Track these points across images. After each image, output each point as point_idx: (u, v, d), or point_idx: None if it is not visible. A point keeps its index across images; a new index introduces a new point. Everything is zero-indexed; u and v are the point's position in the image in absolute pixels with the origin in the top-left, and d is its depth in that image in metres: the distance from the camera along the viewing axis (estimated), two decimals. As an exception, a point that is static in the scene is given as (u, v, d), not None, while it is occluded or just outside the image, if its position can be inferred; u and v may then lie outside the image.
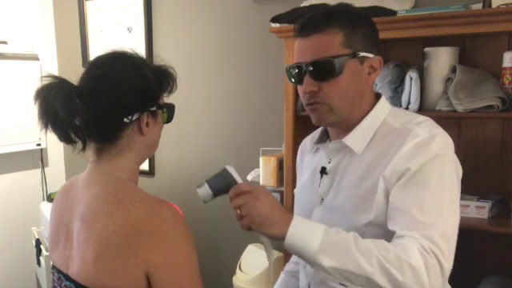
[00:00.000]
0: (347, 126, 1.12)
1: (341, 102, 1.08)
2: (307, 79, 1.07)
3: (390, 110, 1.14)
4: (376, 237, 1.02)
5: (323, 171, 1.17)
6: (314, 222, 1.01)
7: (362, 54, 1.07)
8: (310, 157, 1.28)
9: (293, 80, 1.13)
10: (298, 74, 1.09)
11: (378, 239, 0.96)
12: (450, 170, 1.03)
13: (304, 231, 0.96)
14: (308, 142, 1.32)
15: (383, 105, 1.14)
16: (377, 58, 1.09)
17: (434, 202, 0.98)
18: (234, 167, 1.04)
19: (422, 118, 1.10)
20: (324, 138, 1.23)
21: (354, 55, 1.06)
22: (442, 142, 1.04)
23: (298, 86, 1.12)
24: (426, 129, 1.04)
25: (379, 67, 1.10)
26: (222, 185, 1.02)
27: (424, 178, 0.99)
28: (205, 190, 1.03)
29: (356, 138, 1.11)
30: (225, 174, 1.03)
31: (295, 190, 1.34)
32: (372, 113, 1.11)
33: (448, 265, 0.94)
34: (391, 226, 1.00)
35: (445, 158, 1.02)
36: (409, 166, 1.00)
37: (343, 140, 1.11)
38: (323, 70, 1.06)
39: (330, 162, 1.17)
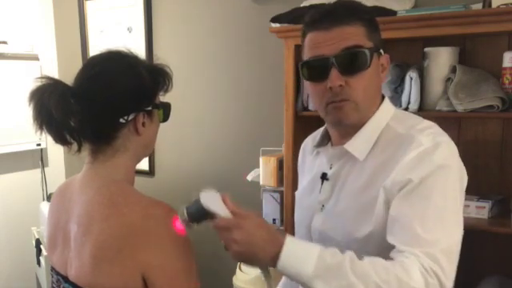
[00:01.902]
0: (354, 128, 1.06)
1: (365, 99, 1.02)
2: (334, 72, 0.98)
3: (394, 112, 1.09)
4: (376, 248, 0.98)
5: (324, 177, 1.13)
6: (308, 244, 0.94)
7: (380, 49, 1.04)
8: (310, 159, 1.24)
9: (312, 76, 1.04)
10: (323, 68, 1.00)
11: (377, 257, 0.90)
12: (454, 181, 0.98)
13: (297, 257, 0.88)
14: (309, 143, 1.27)
15: (387, 107, 1.09)
16: (386, 55, 1.07)
17: (437, 216, 0.93)
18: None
19: (426, 123, 1.05)
20: (325, 141, 1.18)
21: (376, 49, 1.02)
22: (447, 151, 0.98)
23: (315, 84, 1.04)
24: (430, 136, 0.99)
25: (388, 66, 1.07)
26: (199, 215, 0.92)
27: (426, 191, 0.94)
28: (183, 217, 0.92)
29: (358, 144, 1.06)
30: (198, 204, 0.92)
31: (296, 193, 1.29)
32: (377, 115, 1.06)
33: (449, 282, 0.90)
34: (390, 240, 0.94)
35: (449, 169, 0.97)
36: (410, 177, 0.95)
37: (345, 146, 1.07)
38: (355, 61, 0.99)
39: (331, 168, 1.12)
